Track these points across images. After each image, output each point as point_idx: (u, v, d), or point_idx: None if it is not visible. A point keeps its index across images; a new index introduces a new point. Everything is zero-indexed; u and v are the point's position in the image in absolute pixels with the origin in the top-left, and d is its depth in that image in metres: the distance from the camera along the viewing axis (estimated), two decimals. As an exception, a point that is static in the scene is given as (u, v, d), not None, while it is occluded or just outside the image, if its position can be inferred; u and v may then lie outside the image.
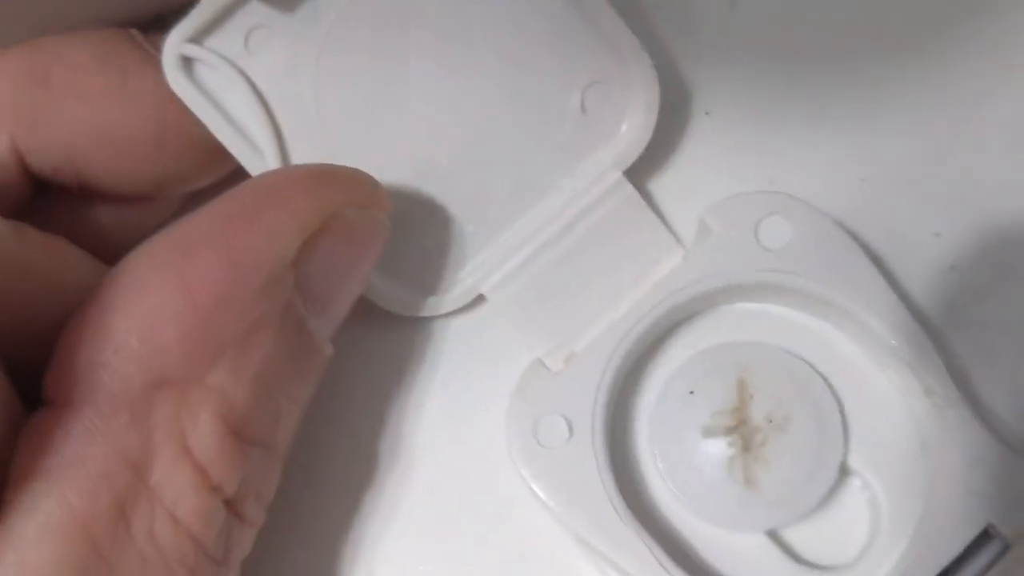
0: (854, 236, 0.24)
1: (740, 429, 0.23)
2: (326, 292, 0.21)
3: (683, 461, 0.23)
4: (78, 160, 0.22)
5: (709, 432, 0.23)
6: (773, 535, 0.23)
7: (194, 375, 0.19)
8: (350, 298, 0.22)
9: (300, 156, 0.23)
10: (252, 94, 0.23)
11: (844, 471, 0.23)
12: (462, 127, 0.24)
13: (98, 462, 0.18)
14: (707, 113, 0.26)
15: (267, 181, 0.21)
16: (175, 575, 0.19)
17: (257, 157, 0.23)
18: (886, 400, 0.24)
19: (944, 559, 0.22)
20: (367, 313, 0.24)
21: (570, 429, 0.23)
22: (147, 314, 0.19)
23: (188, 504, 0.19)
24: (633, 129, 0.24)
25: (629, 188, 0.24)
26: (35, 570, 0.17)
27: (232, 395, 0.19)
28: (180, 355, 0.19)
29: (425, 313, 0.25)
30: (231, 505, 0.20)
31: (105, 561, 0.18)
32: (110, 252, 0.21)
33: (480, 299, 0.25)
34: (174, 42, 0.22)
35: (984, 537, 0.22)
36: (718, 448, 0.23)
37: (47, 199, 0.23)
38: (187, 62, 0.22)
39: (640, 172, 0.25)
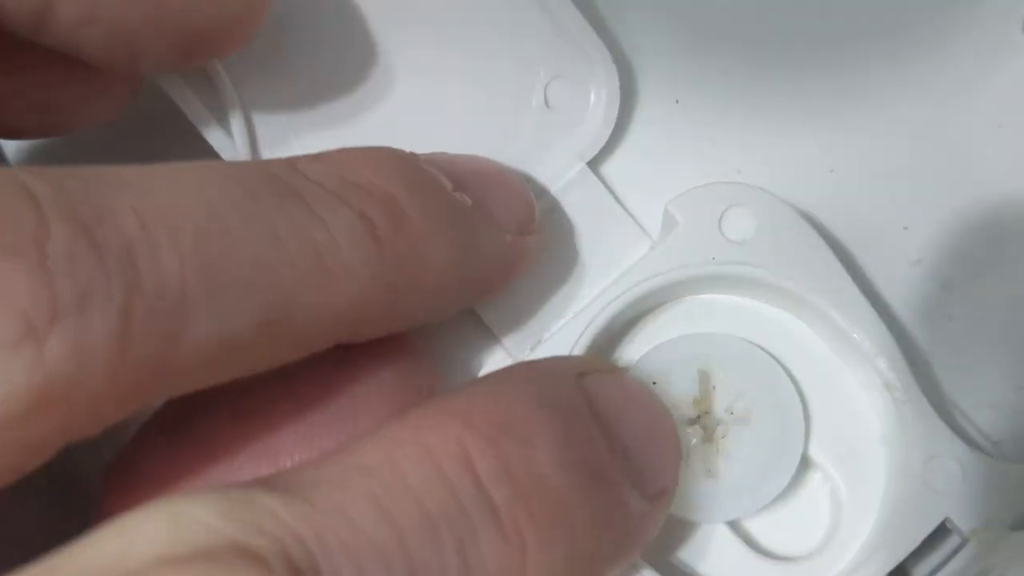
0: (822, 227, 0.25)
1: (702, 420, 0.23)
2: None
3: (644, 452, 0.23)
4: None
5: (670, 423, 0.23)
6: (735, 526, 0.23)
7: None
8: None
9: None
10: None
11: (805, 463, 0.24)
12: (427, 126, 0.24)
13: None
14: (676, 101, 0.26)
15: None
16: None
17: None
18: (848, 393, 0.24)
19: (902, 553, 0.22)
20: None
21: (531, 420, 0.23)
22: None
23: None
24: (596, 121, 0.24)
25: (593, 179, 0.24)
26: None
27: None
28: None
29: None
30: None
31: None
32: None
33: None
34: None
35: (941, 532, 0.22)
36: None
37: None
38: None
39: (608, 162, 0.25)
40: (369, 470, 0.16)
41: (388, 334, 0.21)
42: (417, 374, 0.21)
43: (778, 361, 0.24)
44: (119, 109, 0.23)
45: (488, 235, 0.21)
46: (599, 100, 0.24)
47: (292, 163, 0.19)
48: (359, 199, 0.19)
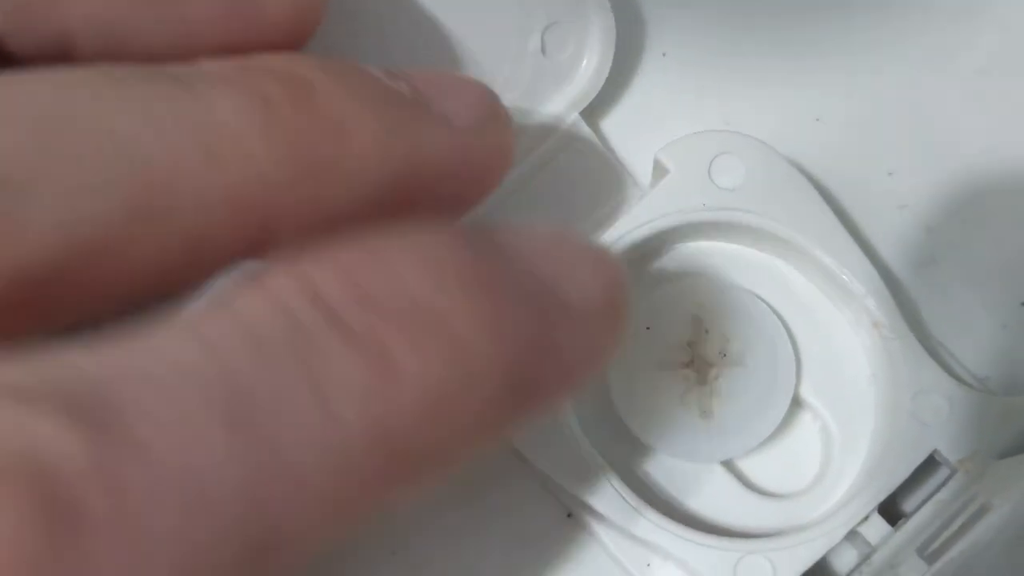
0: (809, 174, 0.25)
1: (695, 363, 0.24)
2: None
3: (640, 395, 0.24)
4: None
5: (664, 366, 0.24)
6: (729, 465, 0.24)
7: None
8: None
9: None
10: None
11: (796, 402, 0.24)
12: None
13: None
14: (663, 54, 0.26)
15: None
16: None
17: None
18: (837, 333, 0.24)
19: (893, 484, 0.23)
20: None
21: (529, 365, 0.23)
22: None
23: None
24: (590, 70, 0.25)
25: (585, 129, 0.25)
26: None
27: None
28: None
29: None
30: None
31: None
32: None
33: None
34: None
35: (931, 463, 0.23)
36: (673, 382, 0.24)
37: None
38: None
39: (598, 113, 0.26)
40: (191, 322, 0.14)
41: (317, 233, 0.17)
42: None
43: (769, 305, 0.24)
44: None
45: (430, 124, 0.18)
46: (593, 48, 0.24)
47: (193, 62, 0.17)
48: (255, 80, 0.16)
